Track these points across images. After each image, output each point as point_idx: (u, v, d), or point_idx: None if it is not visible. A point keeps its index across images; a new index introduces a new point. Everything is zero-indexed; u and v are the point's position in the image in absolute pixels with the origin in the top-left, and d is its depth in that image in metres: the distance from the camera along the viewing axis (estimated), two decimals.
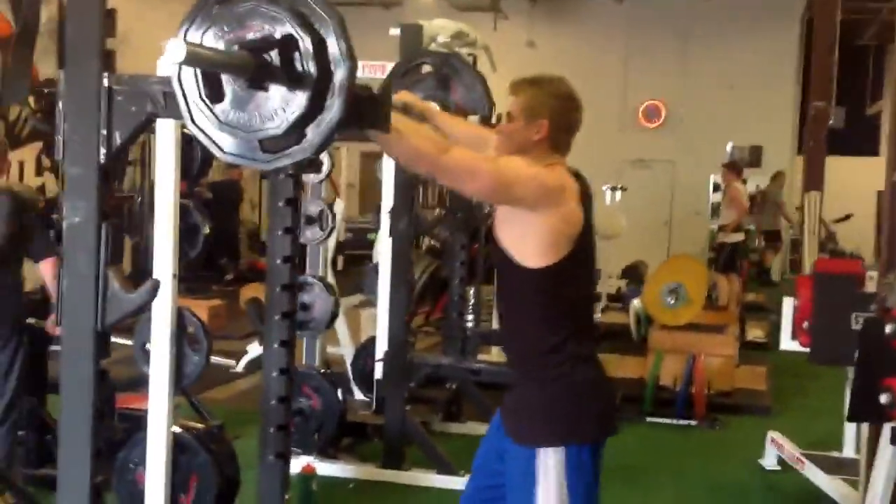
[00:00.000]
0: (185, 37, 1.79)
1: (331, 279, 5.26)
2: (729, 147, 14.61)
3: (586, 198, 2.43)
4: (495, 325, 7.42)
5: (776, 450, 4.88)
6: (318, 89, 1.76)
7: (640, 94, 15.09)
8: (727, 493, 4.78)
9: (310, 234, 4.86)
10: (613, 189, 11.41)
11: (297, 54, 1.73)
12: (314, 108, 1.80)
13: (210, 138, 1.90)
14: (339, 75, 1.75)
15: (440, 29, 4.77)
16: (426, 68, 3.29)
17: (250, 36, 1.72)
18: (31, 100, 4.44)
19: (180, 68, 1.80)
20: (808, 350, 4.23)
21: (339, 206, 5.05)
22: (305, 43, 1.71)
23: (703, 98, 14.68)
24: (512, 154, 2.39)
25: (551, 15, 15.42)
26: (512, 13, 14.52)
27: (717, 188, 14.51)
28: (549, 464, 2.31)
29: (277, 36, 1.71)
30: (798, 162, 13.80)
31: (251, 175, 12.39)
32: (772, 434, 4.99)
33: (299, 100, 1.79)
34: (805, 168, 9.53)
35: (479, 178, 2.18)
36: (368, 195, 12.70)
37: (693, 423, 5.79)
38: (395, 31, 4.69)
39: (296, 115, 1.80)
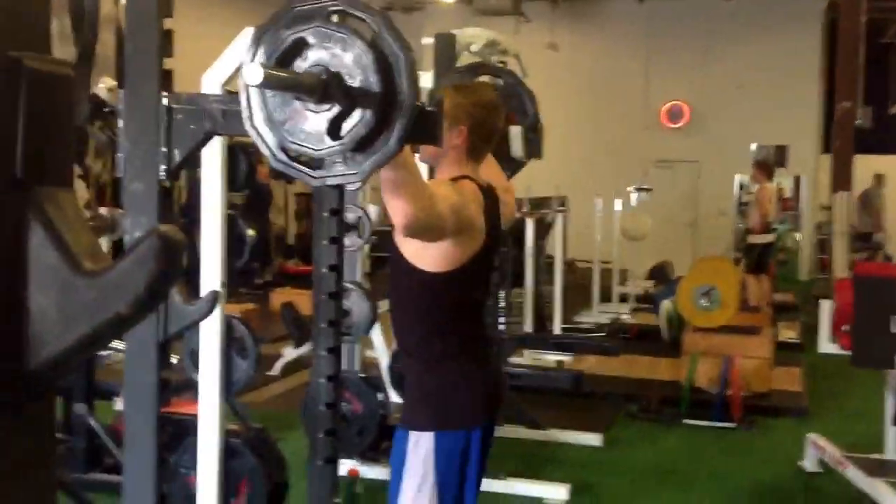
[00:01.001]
0: (252, 58, 1.83)
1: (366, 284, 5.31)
2: (753, 147, 14.59)
3: (492, 211, 2.50)
4: (528, 327, 7.47)
5: (817, 452, 4.88)
6: (383, 111, 1.80)
7: (663, 94, 15.10)
8: (769, 495, 4.79)
9: (349, 241, 4.91)
10: (639, 190, 11.42)
11: (362, 75, 1.77)
12: (377, 130, 1.84)
13: (270, 149, 1.91)
14: (404, 99, 1.78)
15: (473, 38, 4.81)
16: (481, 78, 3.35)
17: (317, 57, 1.77)
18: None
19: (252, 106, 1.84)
20: (844, 352, 4.24)
21: (374, 212, 5.08)
22: (371, 64, 1.75)
23: (727, 98, 14.67)
24: (428, 156, 2.52)
25: (573, 17, 15.44)
26: (534, 16, 14.56)
27: (742, 188, 14.52)
28: (419, 447, 2.42)
29: (344, 57, 1.75)
30: (823, 161, 13.76)
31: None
32: (812, 436, 4.99)
33: (363, 120, 1.82)
34: (833, 168, 9.51)
35: (443, 228, 2.23)
36: None
37: (731, 425, 5.80)
38: (427, 41, 4.73)
39: (359, 136, 1.83)
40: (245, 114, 1.86)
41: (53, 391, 0.89)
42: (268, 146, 1.89)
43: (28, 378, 0.78)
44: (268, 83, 1.69)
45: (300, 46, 1.79)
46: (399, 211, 1.99)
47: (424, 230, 2.15)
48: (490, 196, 2.51)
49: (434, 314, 2.46)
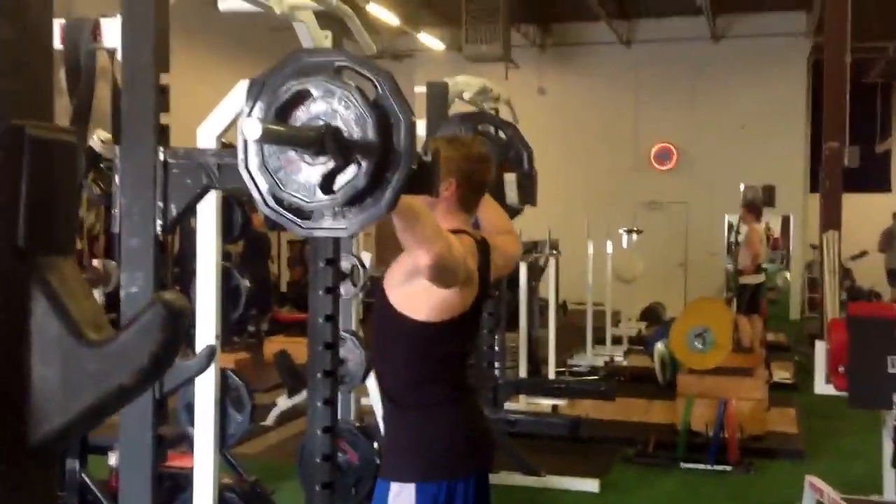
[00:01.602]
0: (251, 110, 1.83)
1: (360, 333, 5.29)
2: (742, 188, 14.69)
3: (484, 265, 2.51)
4: (523, 372, 7.45)
5: (815, 494, 4.84)
6: (378, 169, 1.80)
7: (652, 136, 15.24)
8: None
9: (343, 289, 4.90)
10: (629, 232, 11.47)
11: (360, 132, 1.77)
12: (370, 187, 1.84)
13: (261, 195, 1.90)
14: (401, 160, 1.78)
15: (465, 85, 4.86)
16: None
17: (317, 110, 1.77)
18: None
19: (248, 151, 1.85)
20: (840, 393, 4.22)
21: (368, 259, 5.08)
22: (372, 123, 1.75)
23: (714, 139, 14.81)
24: (424, 202, 2.53)
25: (561, 62, 15.61)
26: (522, 62, 14.71)
27: (731, 228, 14.59)
28: (400, 498, 2.39)
29: (345, 113, 1.76)
30: (811, 200, 13.86)
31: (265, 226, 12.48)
32: (810, 478, 4.95)
33: (357, 177, 1.81)
34: (822, 208, 9.56)
35: (457, 272, 2.24)
36: (386, 244, 12.76)
37: (728, 468, 5.77)
38: (420, 89, 4.78)
39: (351, 193, 1.83)
40: (240, 157, 1.87)
41: (56, 461, 0.88)
42: (260, 192, 1.89)
43: (31, 450, 0.77)
44: (266, 138, 1.69)
45: (301, 98, 1.80)
46: (423, 254, 2.02)
47: (448, 270, 2.16)
48: (484, 250, 2.53)
49: (419, 364, 2.45)
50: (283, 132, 1.72)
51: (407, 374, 2.47)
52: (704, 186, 14.75)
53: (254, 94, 1.83)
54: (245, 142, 1.84)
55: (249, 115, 1.75)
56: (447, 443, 2.44)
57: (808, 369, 8.29)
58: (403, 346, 2.45)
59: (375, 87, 1.74)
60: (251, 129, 1.62)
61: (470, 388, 2.60)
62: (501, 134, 3.40)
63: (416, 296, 2.36)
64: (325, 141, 1.76)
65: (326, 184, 1.84)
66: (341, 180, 1.81)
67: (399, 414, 2.50)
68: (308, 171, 1.85)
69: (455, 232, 2.45)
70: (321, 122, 1.74)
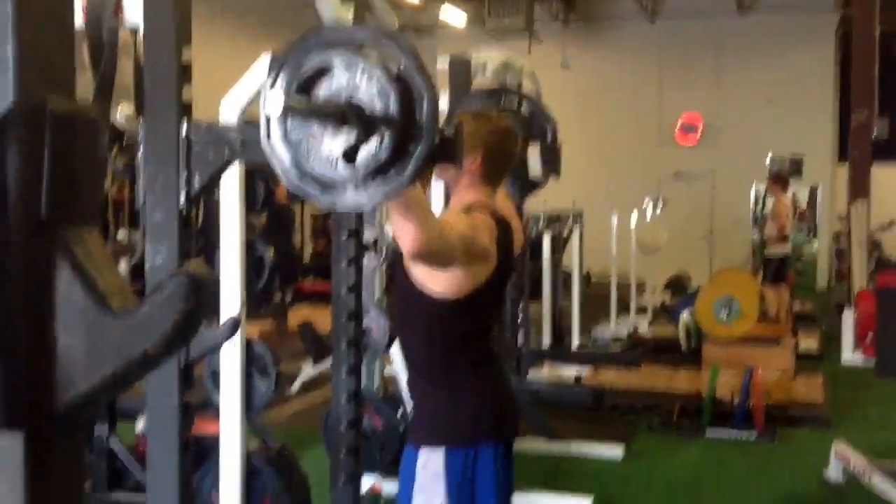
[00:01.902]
0: (274, 83, 1.84)
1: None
2: (768, 158, 14.56)
3: (504, 240, 2.50)
4: (546, 341, 7.47)
5: (841, 462, 4.85)
6: (400, 143, 1.80)
7: (677, 108, 15.11)
8: None
9: (366, 261, 4.93)
10: (654, 203, 11.42)
11: (383, 106, 1.77)
12: (391, 160, 1.85)
13: (283, 167, 1.91)
14: (422, 136, 1.78)
15: (488, 60, 4.82)
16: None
17: (340, 84, 1.77)
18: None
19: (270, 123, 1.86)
20: (866, 362, 4.22)
21: (390, 230, 5.10)
22: (395, 98, 1.75)
23: (740, 110, 14.66)
24: (444, 177, 2.57)
25: (584, 36, 15.48)
26: (546, 36, 14.60)
27: (758, 199, 14.48)
28: (429, 464, 2.41)
29: (368, 87, 1.76)
30: (839, 171, 13.72)
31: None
32: (836, 445, 4.96)
33: (379, 151, 1.82)
34: (850, 178, 9.49)
35: (453, 258, 2.23)
36: None
37: (753, 436, 5.77)
38: (443, 64, 4.75)
39: (373, 167, 1.83)
40: (262, 131, 1.88)
41: (82, 427, 0.90)
42: (281, 164, 1.90)
43: (58, 416, 0.80)
44: (290, 112, 1.70)
45: (324, 72, 1.80)
46: (406, 237, 2.00)
47: (430, 257, 2.15)
48: (503, 225, 2.53)
49: (441, 337, 2.46)
50: (306, 107, 1.73)
51: (429, 348, 2.49)
52: (731, 157, 14.64)
53: (276, 69, 1.83)
54: (268, 116, 1.85)
55: (272, 89, 1.76)
56: (474, 410, 2.46)
57: (835, 339, 8.28)
58: (423, 320, 2.47)
59: (399, 61, 1.74)
60: (274, 103, 1.63)
61: (495, 357, 2.61)
62: (525, 108, 3.39)
63: (430, 271, 2.37)
64: (347, 115, 1.76)
65: (348, 157, 1.85)
66: (363, 153, 1.81)
67: (424, 384, 2.52)
68: (330, 144, 1.85)
69: (474, 207, 2.45)
70: (344, 97, 1.74)
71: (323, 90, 1.79)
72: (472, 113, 2.67)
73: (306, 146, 1.84)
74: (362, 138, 1.79)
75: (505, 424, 2.55)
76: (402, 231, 2.01)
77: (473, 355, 2.50)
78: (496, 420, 2.51)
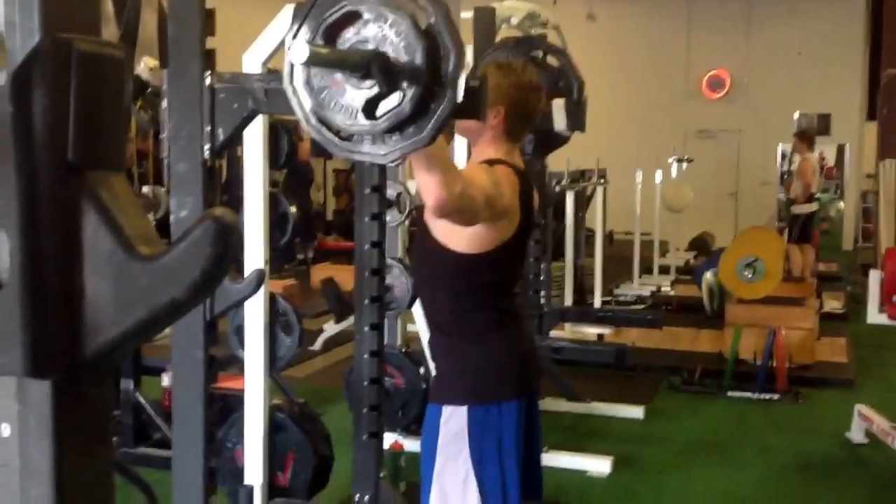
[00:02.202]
0: (297, 32, 1.81)
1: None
2: (796, 116, 14.36)
3: (526, 194, 2.47)
4: (568, 301, 7.45)
5: (864, 423, 4.82)
6: (423, 99, 1.77)
7: (704, 64, 14.91)
8: (815, 468, 4.73)
9: (389, 217, 4.91)
10: (679, 161, 11.31)
11: (408, 60, 1.74)
12: (412, 117, 1.82)
13: (304, 112, 1.88)
14: (446, 93, 1.75)
15: (512, 10, 4.75)
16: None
17: (366, 33, 1.74)
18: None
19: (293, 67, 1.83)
20: (892, 322, 4.17)
21: (413, 187, 5.08)
22: (421, 52, 1.72)
23: (769, 66, 14.45)
24: (465, 131, 2.49)
25: None
26: None
27: (785, 157, 14.31)
28: (452, 421, 2.40)
29: (394, 39, 1.72)
30: (868, 129, 13.52)
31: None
32: (859, 407, 4.93)
33: (401, 106, 1.79)
34: (879, 135, 9.34)
35: (475, 213, 2.17)
36: None
37: (775, 397, 5.75)
38: (466, 15, 4.69)
39: (393, 122, 1.80)
40: (285, 74, 1.85)
41: (110, 374, 0.89)
42: (302, 109, 1.87)
43: (86, 362, 0.78)
44: (313, 61, 1.68)
45: (350, 20, 1.77)
46: (429, 192, 1.96)
47: (455, 213, 2.11)
48: (525, 180, 2.50)
49: (464, 293, 2.45)
50: (330, 55, 1.70)
51: (450, 304, 2.47)
52: (758, 115, 14.46)
53: (301, 16, 1.80)
54: (291, 63, 1.82)
55: (296, 37, 1.73)
56: (496, 366, 2.46)
57: (860, 300, 8.22)
58: (445, 276, 2.46)
59: (427, 14, 1.70)
60: (298, 51, 1.60)
61: (517, 313, 2.60)
62: (552, 60, 3.33)
63: (452, 227, 2.34)
64: (371, 67, 1.73)
65: (370, 109, 1.82)
66: (385, 106, 1.78)
67: (446, 340, 2.51)
68: (352, 94, 1.82)
69: (495, 162, 2.42)
70: (369, 47, 1.71)
71: (348, 39, 1.76)
72: (496, 63, 2.61)
73: (328, 94, 1.81)
74: (385, 91, 1.76)
75: (528, 380, 2.55)
76: (425, 186, 1.98)
77: (496, 311, 2.49)
78: (519, 376, 2.50)
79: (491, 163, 2.42)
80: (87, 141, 0.78)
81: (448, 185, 1.96)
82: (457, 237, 2.37)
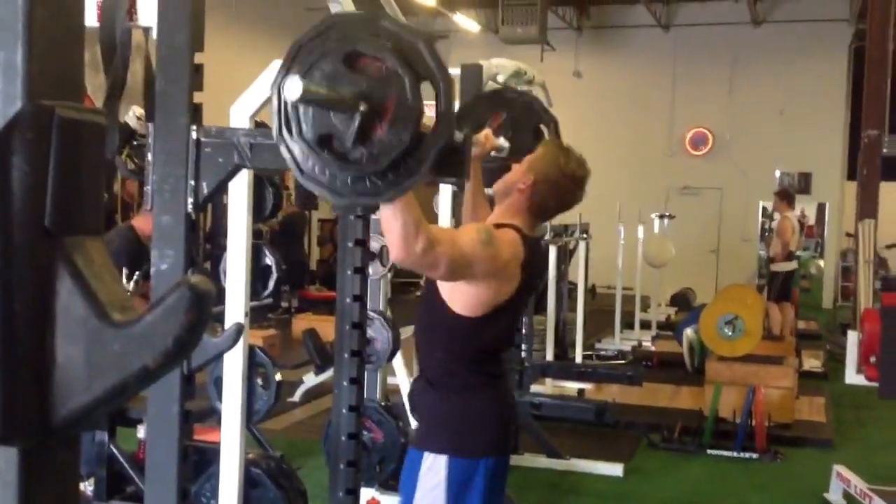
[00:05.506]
0: (288, 70, 1.82)
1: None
2: (777, 174, 14.53)
3: (532, 263, 2.50)
4: (550, 356, 7.44)
5: (842, 484, 4.82)
6: (410, 146, 1.80)
7: (687, 121, 15.09)
8: None
9: (372, 270, 4.91)
10: (661, 217, 11.39)
11: (394, 93, 1.76)
12: (397, 164, 1.83)
13: (297, 164, 1.87)
14: (440, 118, 1.78)
15: (499, 68, 4.82)
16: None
17: (350, 73, 1.76)
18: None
19: (286, 105, 1.83)
20: (870, 383, 4.19)
21: None
22: (408, 82, 1.74)
23: (751, 125, 14.64)
24: (502, 185, 2.55)
25: (597, 45, 15.48)
26: (558, 44, 14.60)
27: (766, 214, 14.44)
28: (433, 470, 2.42)
29: (383, 77, 1.74)
30: (848, 188, 13.67)
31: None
32: (837, 468, 4.92)
33: (387, 148, 1.81)
34: (859, 196, 9.44)
35: (438, 269, 2.20)
36: None
37: (755, 455, 5.74)
38: (454, 71, 4.75)
39: (379, 167, 1.83)
40: (275, 124, 1.85)
41: (78, 441, 0.88)
42: (293, 159, 1.87)
43: (55, 428, 0.78)
44: (307, 97, 1.69)
45: (339, 59, 1.78)
46: (391, 244, 2.04)
47: (418, 267, 2.16)
48: (534, 249, 2.52)
49: (457, 351, 2.49)
50: (323, 93, 1.71)
51: (445, 360, 2.51)
52: (740, 172, 14.61)
53: (292, 55, 1.82)
54: (282, 106, 1.82)
55: (289, 74, 1.74)
56: (481, 423, 2.49)
57: (839, 359, 8.24)
58: (442, 332, 2.50)
59: (420, 59, 1.73)
60: (292, 87, 1.62)
61: (504, 373, 2.64)
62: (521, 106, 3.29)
63: (454, 288, 2.39)
64: (360, 104, 1.74)
65: (356, 152, 1.82)
66: (375, 147, 1.80)
67: (435, 392, 2.53)
68: (342, 138, 1.83)
69: (506, 226, 2.45)
70: (358, 86, 1.72)
71: (338, 78, 1.77)
72: (557, 143, 2.67)
73: (316, 140, 1.82)
74: (376, 131, 1.78)
75: (507, 440, 2.57)
76: (388, 237, 2.05)
77: (487, 372, 2.53)
78: (501, 435, 2.53)
79: (500, 226, 2.45)
80: (65, 206, 0.79)
81: (407, 242, 2.00)
82: (457, 299, 2.41)
